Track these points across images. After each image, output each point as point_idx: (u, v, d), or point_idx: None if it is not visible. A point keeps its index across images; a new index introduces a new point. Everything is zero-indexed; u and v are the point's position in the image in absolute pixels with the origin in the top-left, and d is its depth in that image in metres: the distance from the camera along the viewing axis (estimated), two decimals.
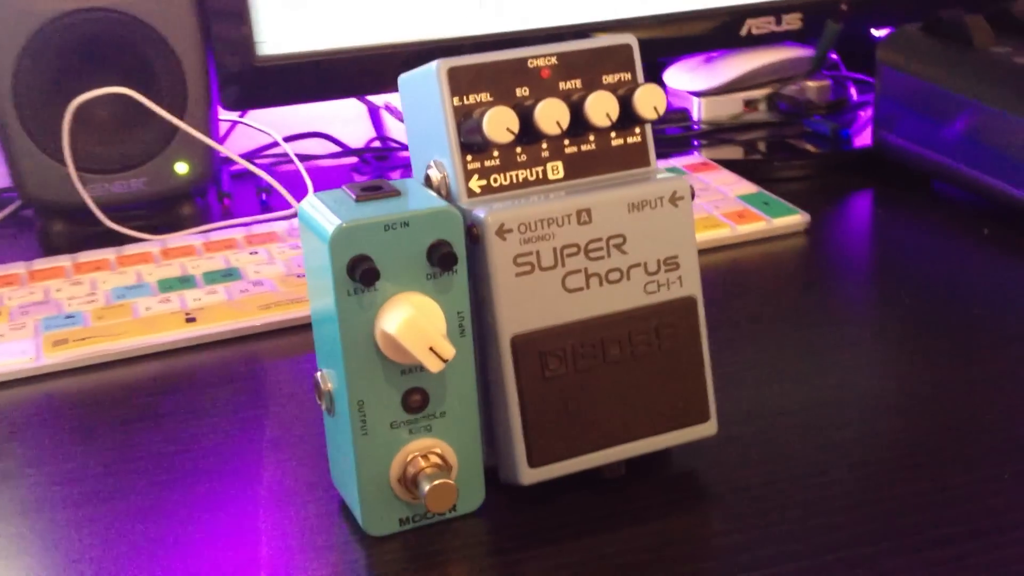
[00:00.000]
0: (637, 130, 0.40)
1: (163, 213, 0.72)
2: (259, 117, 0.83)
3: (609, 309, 0.39)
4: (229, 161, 0.78)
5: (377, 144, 0.93)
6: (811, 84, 0.81)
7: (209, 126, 0.71)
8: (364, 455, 0.37)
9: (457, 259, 0.36)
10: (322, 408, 0.39)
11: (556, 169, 0.40)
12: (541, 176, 0.39)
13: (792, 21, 0.79)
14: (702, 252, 0.65)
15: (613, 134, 0.40)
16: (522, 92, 0.39)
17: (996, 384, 0.47)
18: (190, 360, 0.55)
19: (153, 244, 0.67)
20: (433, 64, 0.38)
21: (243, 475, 0.43)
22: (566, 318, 0.38)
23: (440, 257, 0.36)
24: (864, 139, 0.77)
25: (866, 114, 0.81)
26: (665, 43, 0.77)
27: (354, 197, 0.37)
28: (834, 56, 0.87)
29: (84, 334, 0.56)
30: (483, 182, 0.39)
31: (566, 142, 0.40)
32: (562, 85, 0.40)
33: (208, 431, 0.47)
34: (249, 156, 0.82)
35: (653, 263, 0.39)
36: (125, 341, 0.56)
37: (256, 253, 0.65)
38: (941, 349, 0.50)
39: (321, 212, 0.37)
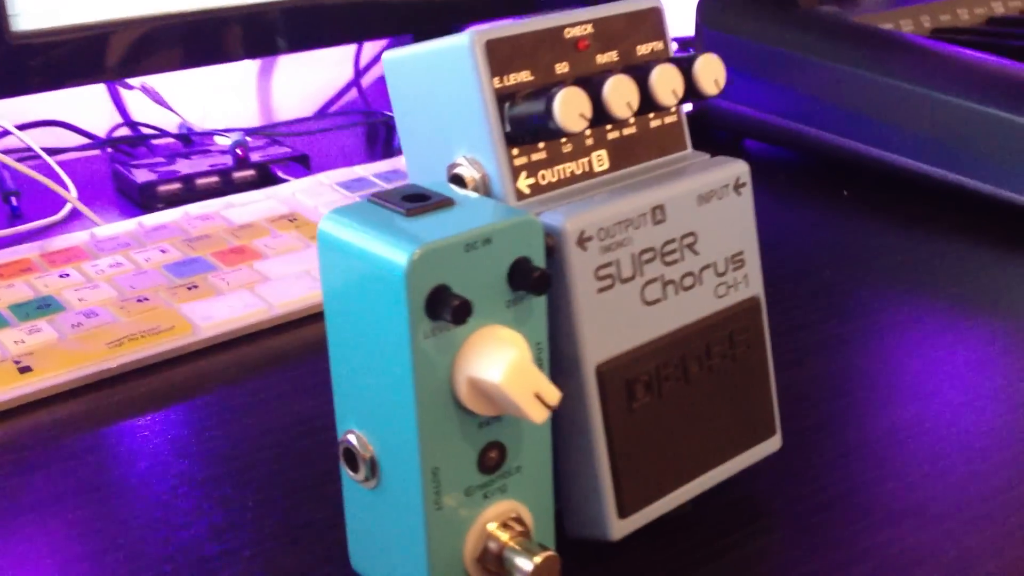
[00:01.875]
0: (673, 108, 0.34)
1: None
2: None
3: (686, 320, 0.33)
4: None
5: (126, 131, 0.80)
6: None
7: None
8: (437, 534, 0.30)
9: (551, 280, 0.29)
10: (350, 476, 0.31)
11: (601, 159, 0.33)
12: (588, 169, 0.33)
13: None
14: None
15: (651, 115, 0.34)
16: (561, 68, 0.32)
17: None
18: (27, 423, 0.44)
19: None
20: (463, 37, 0.31)
21: None
22: (647, 336, 0.32)
23: (533, 281, 0.29)
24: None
25: None
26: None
27: (404, 212, 0.29)
28: None
29: None
30: (532, 180, 0.32)
31: (608, 127, 0.33)
32: (599, 59, 0.33)
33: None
34: None
35: (722, 262, 0.34)
36: None
37: (67, 276, 0.53)
38: None
39: (365, 233, 0.28)
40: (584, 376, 0.31)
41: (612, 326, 0.31)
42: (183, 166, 0.69)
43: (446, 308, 0.27)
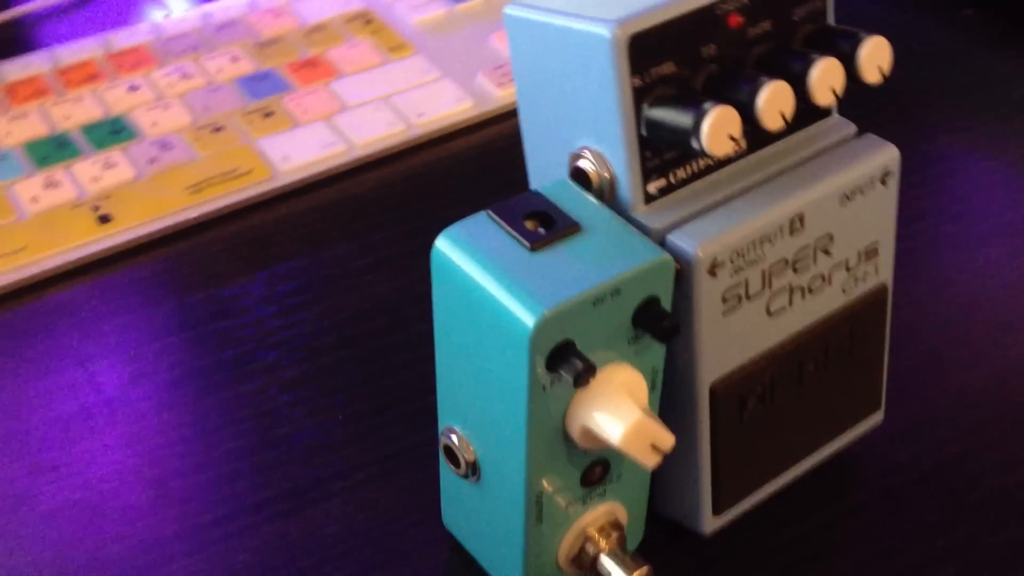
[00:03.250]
0: None
1: None
2: None
3: (807, 322, 0.31)
4: None
5: None
6: None
7: None
8: (535, 542, 0.30)
9: (678, 324, 0.27)
10: (449, 468, 0.31)
11: (740, 143, 0.30)
12: (728, 157, 0.30)
13: None
14: None
15: None
16: (708, 51, 0.29)
17: None
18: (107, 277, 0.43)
19: None
20: (603, 28, 0.27)
21: None
22: (766, 345, 0.31)
23: (661, 329, 0.27)
24: None
25: None
26: None
27: (528, 245, 0.27)
28: None
29: None
30: (662, 182, 0.29)
31: None
32: (751, 31, 0.29)
33: None
34: None
35: (854, 257, 0.32)
36: (29, 262, 0.42)
37: (137, 88, 0.50)
38: None
39: (486, 272, 0.26)
40: (697, 395, 0.30)
41: (731, 344, 0.30)
42: None
43: (569, 368, 0.26)
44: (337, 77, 0.51)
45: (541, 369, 0.26)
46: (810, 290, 0.31)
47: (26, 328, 0.41)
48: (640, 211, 0.29)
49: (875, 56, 0.29)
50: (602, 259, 0.27)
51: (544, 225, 0.27)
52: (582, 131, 0.29)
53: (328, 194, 0.47)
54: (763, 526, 0.34)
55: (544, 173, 0.31)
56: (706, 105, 0.27)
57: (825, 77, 0.28)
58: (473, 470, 0.30)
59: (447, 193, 0.47)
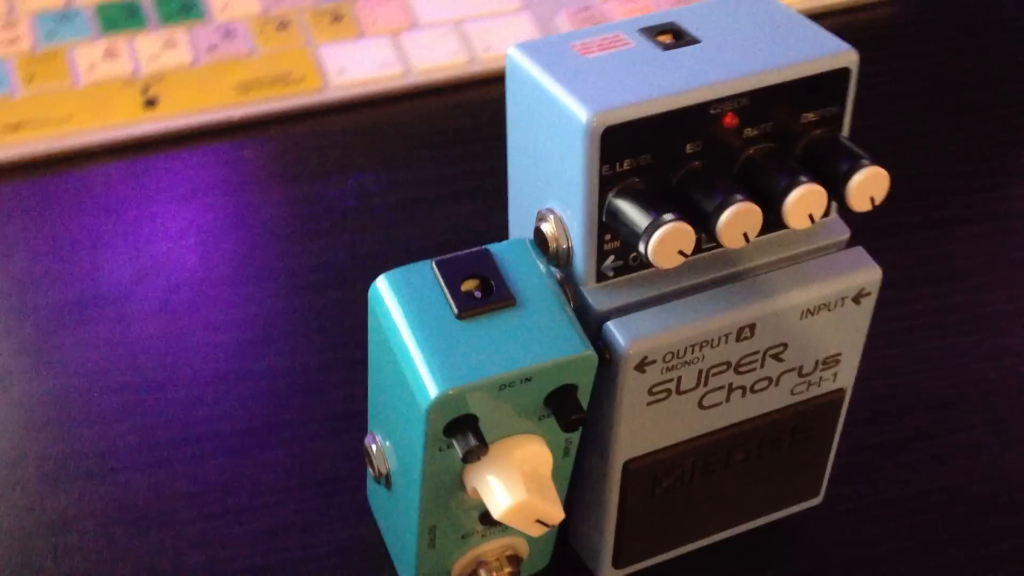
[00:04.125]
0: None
1: None
2: None
3: (744, 416, 0.31)
4: None
5: None
6: None
7: None
8: (427, 560, 0.31)
9: (586, 418, 0.28)
10: (367, 462, 0.32)
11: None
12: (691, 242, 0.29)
13: None
14: None
15: None
16: (693, 147, 0.28)
17: None
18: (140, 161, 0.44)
19: None
20: (582, 112, 0.26)
21: None
22: (691, 434, 0.31)
23: (567, 422, 0.27)
24: None
25: None
26: None
27: (456, 312, 0.27)
28: None
29: (14, 114, 0.44)
30: (619, 262, 0.29)
31: None
32: (747, 132, 0.28)
33: None
34: None
35: (810, 365, 0.31)
36: (73, 132, 0.44)
37: None
38: None
39: (409, 330, 0.27)
40: (610, 468, 0.30)
41: (652, 429, 0.30)
42: None
43: (462, 443, 0.26)
44: None
45: (438, 435, 0.27)
46: (752, 390, 0.31)
47: (53, 200, 0.43)
48: (590, 287, 0.29)
49: (868, 187, 0.28)
50: (523, 343, 0.27)
51: (483, 290, 0.28)
52: (552, 192, 0.29)
53: (374, 116, 0.47)
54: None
55: (520, 215, 0.31)
56: (665, 217, 0.26)
57: (802, 204, 0.27)
58: (386, 481, 0.31)
59: (492, 139, 0.47)
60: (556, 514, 0.28)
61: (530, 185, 0.30)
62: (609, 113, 0.26)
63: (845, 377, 0.32)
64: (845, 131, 0.29)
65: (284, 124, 0.46)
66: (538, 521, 0.28)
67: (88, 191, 0.43)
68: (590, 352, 0.27)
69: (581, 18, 0.51)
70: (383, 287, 0.28)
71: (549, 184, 0.29)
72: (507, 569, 0.32)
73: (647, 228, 0.26)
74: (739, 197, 0.27)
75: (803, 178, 0.27)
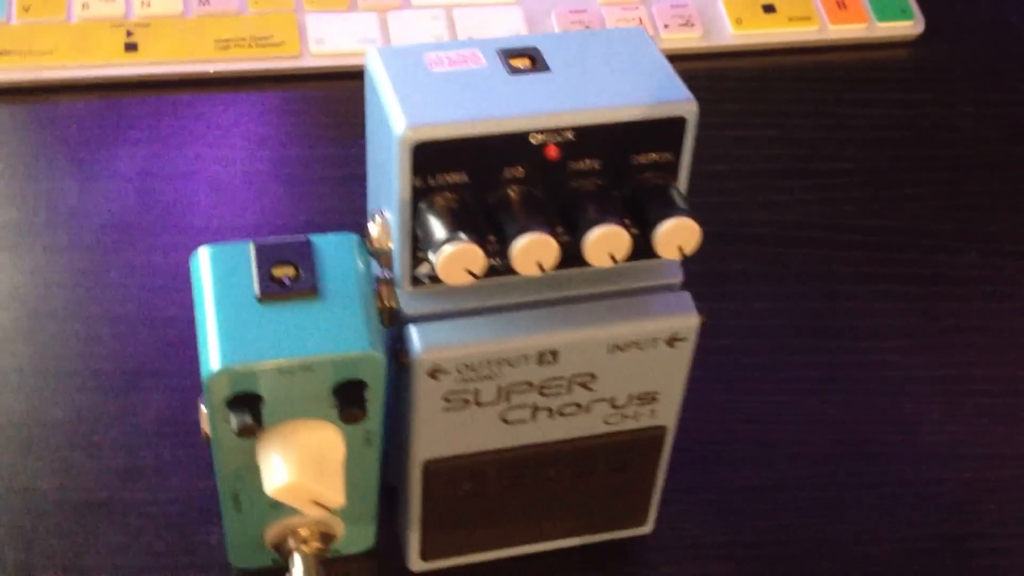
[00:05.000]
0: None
1: None
2: None
3: (554, 437, 0.32)
4: None
5: None
6: None
7: None
8: (234, 522, 0.33)
9: (366, 413, 0.29)
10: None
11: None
12: (506, 265, 0.30)
13: None
14: (773, 53, 0.53)
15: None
16: (514, 172, 0.28)
17: None
18: (135, 103, 0.47)
19: None
20: (399, 124, 0.27)
21: None
22: (495, 445, 0.32)
23: (343, 414, 0.28)
24: None
25: None
26: None
27: (258, 294, 0.28)
28: None
29: (6, 42, 0.47)
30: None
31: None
32: (572, 165, 0.29)
33: None
34: None
35: (623, 398, 0.32)
36: (50, 65, 0.47)
37: None
38: None
39: (214, 304, 0.28)
40: (411, 465, 0.31)
41: (452, 435, 0.31)
42: None
43: (237, 419, 0.28)
44: None
45: (222, 407, 0.28)
46: (561, 413, 0.31)
47: (21, 127, 0.46)
48: (405, 290, 0.30)
49: (675, 236, 0.28)
50: (312, 334, 0.28)
51: (295, 277, 0.29)
52: (382, 194, 0.30)
53: (342, 90, 0.48)
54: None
55: (372, 202, 0.32)
56: (454, 236, 0.27)
57: (601, 243, 0.28)
58: (206, 442, 0.33)
59: None
60: (334, 499, 0.29)
61: (373, 184, 0.31)
62: (423, 128, 0.27)
63: (665, 415, 0.33)
64: (683, 179, 0.30)
65: (255, 84, 0.48)
66: (316, 503, 0.29)
67: (54, 124, 0.46)
68: (374, 353, 0.28)
69: (573, 19, 0.51)
70: (203, 258, 0.29)
71: (380, 186, 0.30)
72: (316, 543, 0.33)
73: (437, 244, 0.27)
74: (535, 227, 0.27)
75: (607, 218, 0.28)
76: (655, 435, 0.33)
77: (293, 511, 0.33)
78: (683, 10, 0.52)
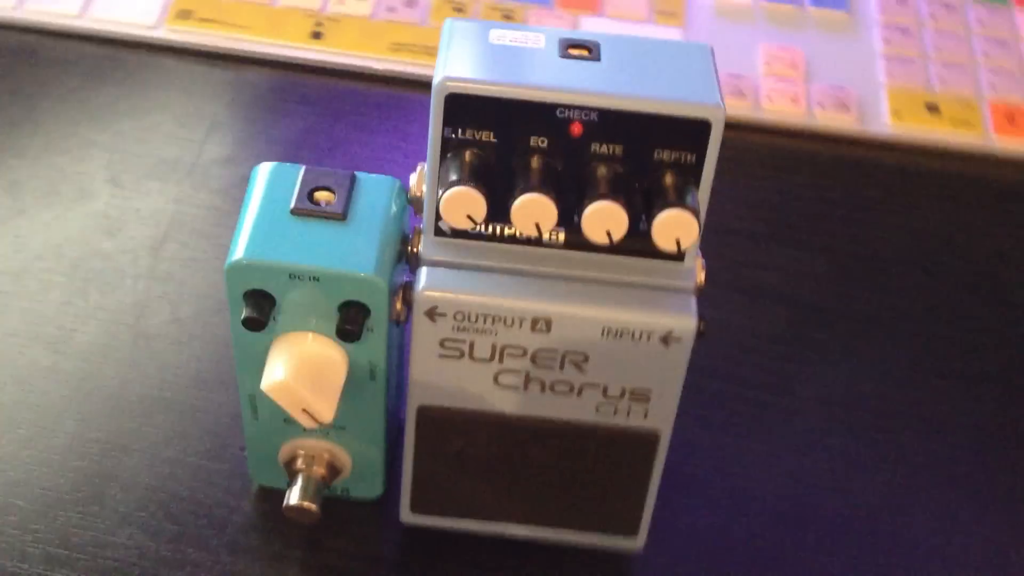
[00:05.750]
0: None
1: None
2: None
3: (543, 414, 0.33)
4: None
5: None
6: None
7: None
8: (253, 432, 0.36)
9: (359, 334, 0.31)
10: None
11: (557, 235, 0.32)
12: (535, 237, 0.32)
13: None
14: (926, 153, 0.51)
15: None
16: (538, 142, 0.30)
17: None
18: (309, 83, 0.52)
19: None
20: (439, 75, 0.30)
21: None
22: (488, 407, 0.33)
23: (339, 330, 0.31)
24: None
25: None
26: None
27: (291, 208, 0.31)
28: None
29: (210, 12, 0.53)
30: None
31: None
32: (595, 147, 0.30)
33: None
34: None
35: (616, 388, 0.32)
36: (243, 37, 0.52)
37: None
38: None
39: (256, 206, 0.32)
40: (408, 408, 0.33)
41: (448, 384, 0.33)
42: None
43: (247, 310, 0.31)
44: (595, 13, 0.55)
45: (239, 302, 0.31)
46: (552, 389, 0.32)
47: (209, 86, 0.51)
48: (429, 238, 0.32)
49: (671, 228, 0.29)
50: (327, 250, 0.31)
51: (328, 201, 0.32)
52: (425, 146, 0.32)
53: None
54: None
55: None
56: (460, 179, 0.29)
57: (596, 217, 0.29)
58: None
59: None
60: (323, 411, 0.32)
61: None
62: (458, 82, 0.30)
63: (659, 419, 0.33)
64: (705, 185, 0.31)
65: (417, 87, 0.52)
66: (305, 412, 0.32)
67: (237, 88, 0.51)
68: (376, 278, 0.31)
69: (729, 85, 0.52)
70: (260, 171, 0.33)
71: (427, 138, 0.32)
72: (320, 469, 0.36)
73: (445, 187, 0.29)
74: (538, 189, 0.29)
75: (608, 195, 0.29)
76: (647, 439, 0.33)
77: (305, 432, 0.35)
78: (842, 93, 0.53)
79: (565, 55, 0.31)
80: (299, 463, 0.36)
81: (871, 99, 0.53)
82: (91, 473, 0.38)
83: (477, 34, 0.32)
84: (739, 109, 0.52)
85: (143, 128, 0.49)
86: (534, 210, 0.29)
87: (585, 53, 0.31)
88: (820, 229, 0.48)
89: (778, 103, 0.52)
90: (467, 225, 0.30)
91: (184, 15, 0.52)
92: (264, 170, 0.33)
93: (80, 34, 0.52)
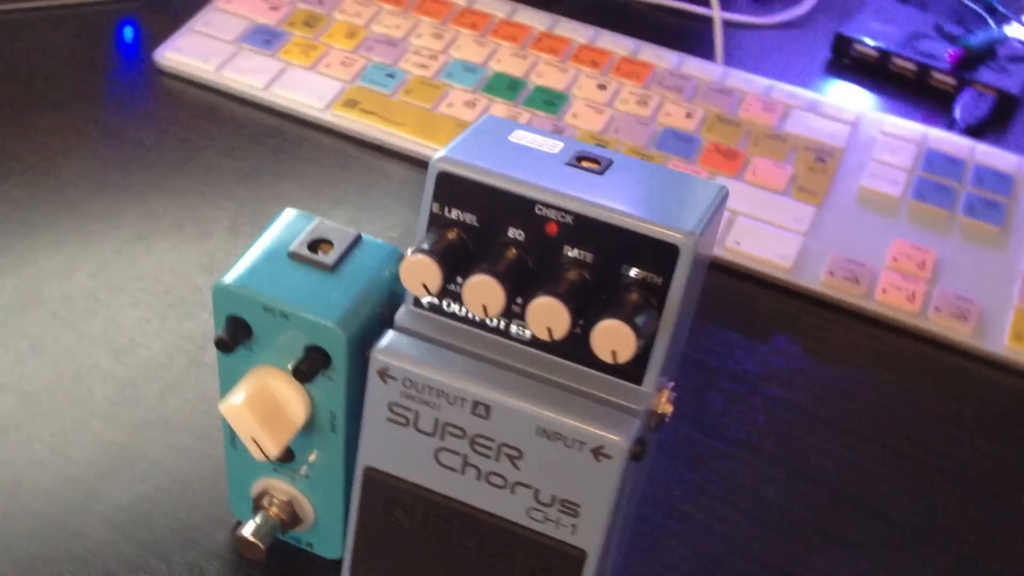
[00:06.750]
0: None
1: None
2: None
3: (479, 505, 0.33)
4: None
5: None
6: None
7: None
8: (232, 461, 0.37)
9: (310, 377, 0.32)
10: None
11: (525, 331, 0.32)
12: (503, 328, 0.32)
13: None
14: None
15: None
16: (515, 234, 0.31)
17: None
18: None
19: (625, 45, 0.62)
20: (437, 155, 0.31)
21: None
22: (429, 484, 0.33)
23: (295, 370, 0.32)
24: None
25: None
26: None
27: (291, 251, 0.34)
28: None
29: (376, 105, 0.57)
30: (435, 301, 0.33)
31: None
32: (567, 250, 0.31)
33: None
34: None
35: (547, 495, 0.32)
36: (395, 133, 0.56)
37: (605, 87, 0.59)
38: None
39: (264, 241, 0.34)
40: (358, 466, 0.34)
41: (393, 451, 0.33)
42: (902, 33, 0.66)
43: (221, 331, 0.33)
44: (733, 175, 0.55)
45: (221, 321, 0.34)
46: (488, 480, 0.32)
47: (347, 169, 0.55)
48: (408, 308, 0.33)
49: (609, 339, 0.29)
50: (302, 294, 0.33)
51: (326, 253, 0.34)
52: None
53: None
54: None
55: None
56: (419, 247, 0.30)
57: (539, 311, 0.30)
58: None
59: None
60: (269, 445, 0.33)
61: None
62: (450, 163, 0.31)
63: (587, 538, 0.32)
64: (671, 309, 0.30)
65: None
66: (254, 442, 0.33)
67: (370, 174, 0.55)
68: (334, 326, 0.32)
69: (844, 272, 0.51)
70: (284, 215, 0.35)
71: None
72: (280, 513, 0.37)
73: (413, 252, 0.31)
74: (488, 271, 0.30)
75: (553, 292, 0.29)
76: (574, 556, 0.32)
77: (277, 470, 0.37)
78: (965, 304, 0.50)
79: (572, 163, 0.32)
80: (264, 501, 0.37)
81: (995, 316, 0.50)
82: (92, 473, 0.41)
83: (499, 130, 0.33)
84: (847, 294, 0.50)
85: (277, 191, 0.53)
86: (482, 291, 0.30)
87: (594, 166, 0.32)
88: (899, 432, 0.46)
89: (892, 297, 0.50)
90: (422, 293, 0.31)
91: (350, 104, 0.57)
92: (287, 214, 0.35)
93: (259, 104, 0.58)
